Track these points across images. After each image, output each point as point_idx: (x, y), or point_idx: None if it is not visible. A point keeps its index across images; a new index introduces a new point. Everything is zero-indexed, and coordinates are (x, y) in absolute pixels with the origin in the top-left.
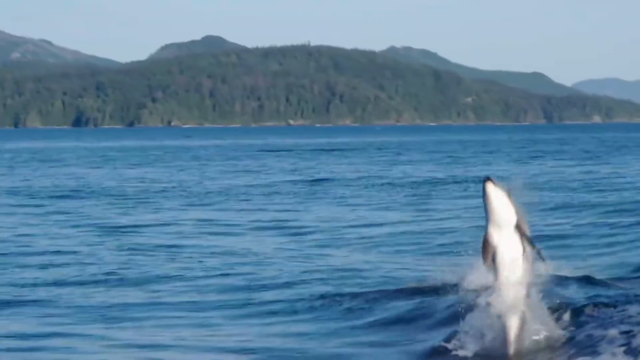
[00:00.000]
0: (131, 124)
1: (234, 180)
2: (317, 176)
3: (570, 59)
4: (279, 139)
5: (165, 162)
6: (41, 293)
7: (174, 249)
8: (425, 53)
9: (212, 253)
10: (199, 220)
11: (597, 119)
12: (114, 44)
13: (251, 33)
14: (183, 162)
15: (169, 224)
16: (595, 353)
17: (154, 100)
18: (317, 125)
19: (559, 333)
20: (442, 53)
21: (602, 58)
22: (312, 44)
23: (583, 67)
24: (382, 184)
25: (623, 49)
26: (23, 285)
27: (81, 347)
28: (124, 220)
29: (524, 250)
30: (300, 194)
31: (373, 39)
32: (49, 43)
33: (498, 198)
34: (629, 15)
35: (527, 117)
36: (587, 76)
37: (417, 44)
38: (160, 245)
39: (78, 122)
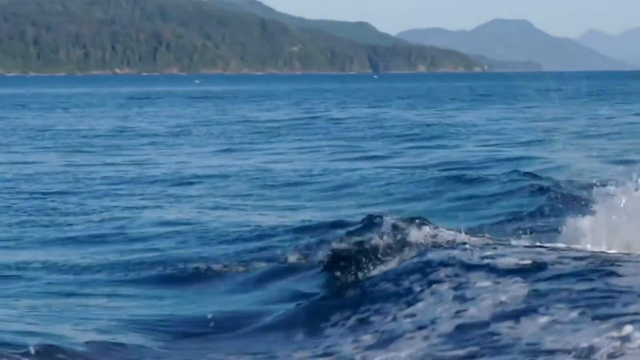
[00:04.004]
0: None
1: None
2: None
3: (394, 8)
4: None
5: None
6: None
7: None
8: (250, 2)
9: None
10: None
11: (422, 68)
12: None
13: None
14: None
15: None
16: None
17: None
18: (144, 73)
19: None
20: (267, 2)
21: (427, 8)
22: None
23: (407, 16)
24: None
25: None
26: None
27: None
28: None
29: None
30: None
31: None
32: None
33: None
34: None
35: (353, 66)
36: (411, 26)
37: None
38: None
39: None
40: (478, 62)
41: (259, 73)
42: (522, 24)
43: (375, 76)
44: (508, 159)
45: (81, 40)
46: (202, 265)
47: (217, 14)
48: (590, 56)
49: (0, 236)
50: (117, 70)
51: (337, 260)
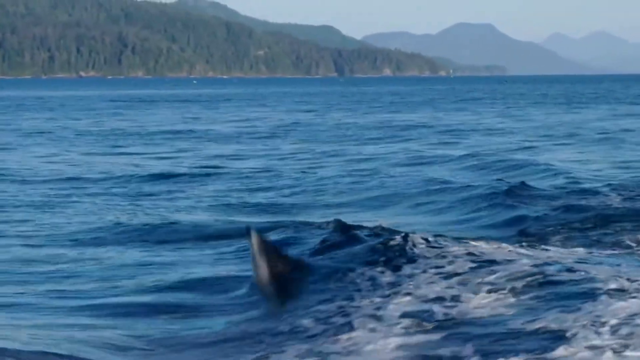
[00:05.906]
0: None
1: None
2: None
3: (359, 12)
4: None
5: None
6: None
7: None
8: (215, 5)
9: None
10: None
11: (387, 71)
12: None
13: None
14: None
15: None
16: None
17: None
18: (109, 77)
19: None
20: (232, 5)
21: (391, 11)
22: None
23: (372, 20)
24: None
25: (412, 2)
26: None
27: None
28: None
29: None
30: None
31: None
32: None
33: None
34: None
35: (318, 69)
36: (376, 29)
37: None
38: None
39: None
40: (443, 65)
41: (225, 76)
42: (487, 27)
43: (341, 80)
44: None
45: (46, 43)
46: None
47: (181, 17)
48: (554, 59)
49: None
50: (82, 74)
51: None
